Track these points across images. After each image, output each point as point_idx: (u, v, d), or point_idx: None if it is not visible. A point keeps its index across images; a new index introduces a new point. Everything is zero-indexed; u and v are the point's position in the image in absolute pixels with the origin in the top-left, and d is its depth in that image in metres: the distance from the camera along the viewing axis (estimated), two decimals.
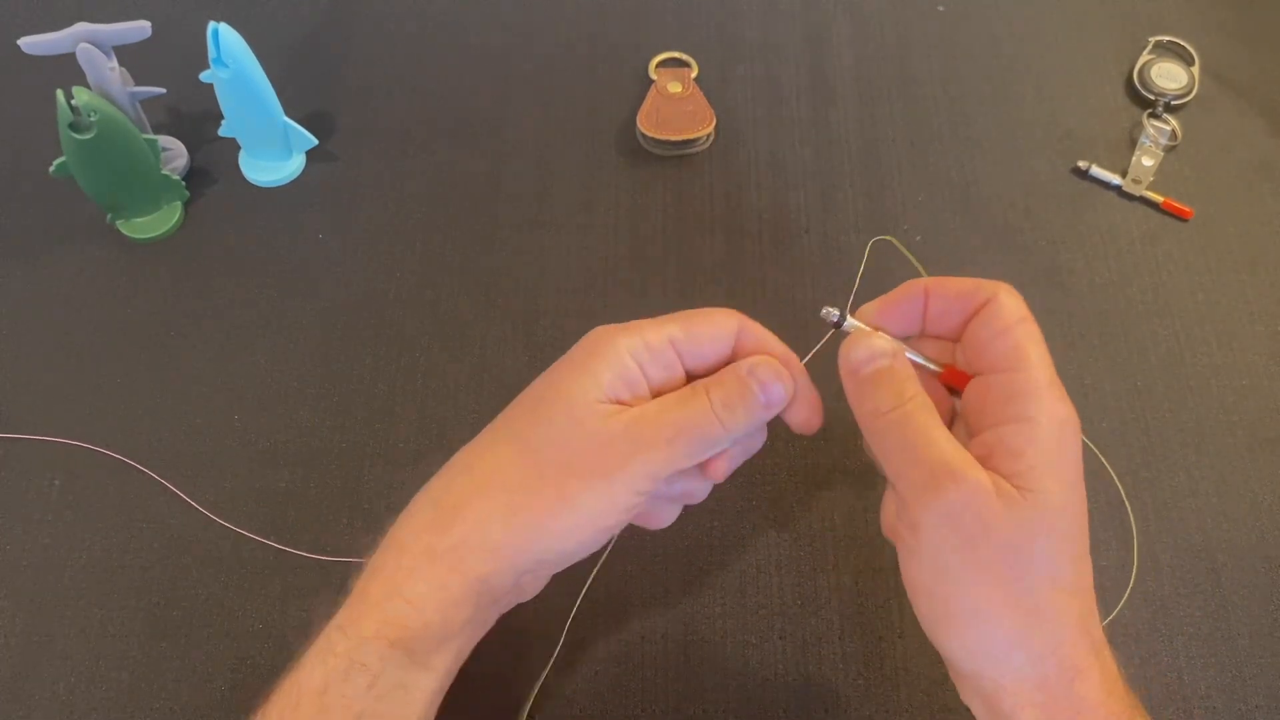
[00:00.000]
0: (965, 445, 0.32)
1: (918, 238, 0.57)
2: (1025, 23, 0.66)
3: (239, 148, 0.59)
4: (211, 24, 0.51)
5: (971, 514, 0.30)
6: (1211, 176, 0.59)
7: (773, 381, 0.34)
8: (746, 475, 0.49)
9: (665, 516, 0.39)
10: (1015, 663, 0.30)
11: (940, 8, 0.67)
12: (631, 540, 0.48)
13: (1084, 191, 0.59)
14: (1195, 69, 0.63)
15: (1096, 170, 0.59)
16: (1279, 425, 0.51)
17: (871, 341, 0.34)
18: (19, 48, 0.52)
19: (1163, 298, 0.55)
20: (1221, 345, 0.53)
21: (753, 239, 0.57)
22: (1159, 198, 0.58)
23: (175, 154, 0.59)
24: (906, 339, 0.36)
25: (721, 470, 0.36)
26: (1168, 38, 0.64)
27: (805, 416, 0.36)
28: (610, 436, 0.33)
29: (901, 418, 0.32)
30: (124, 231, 0.57)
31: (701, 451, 0.34)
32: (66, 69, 0.53)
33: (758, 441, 0.38)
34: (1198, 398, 0.52)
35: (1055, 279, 0.56)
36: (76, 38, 0.52)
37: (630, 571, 0.47)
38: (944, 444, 0.31)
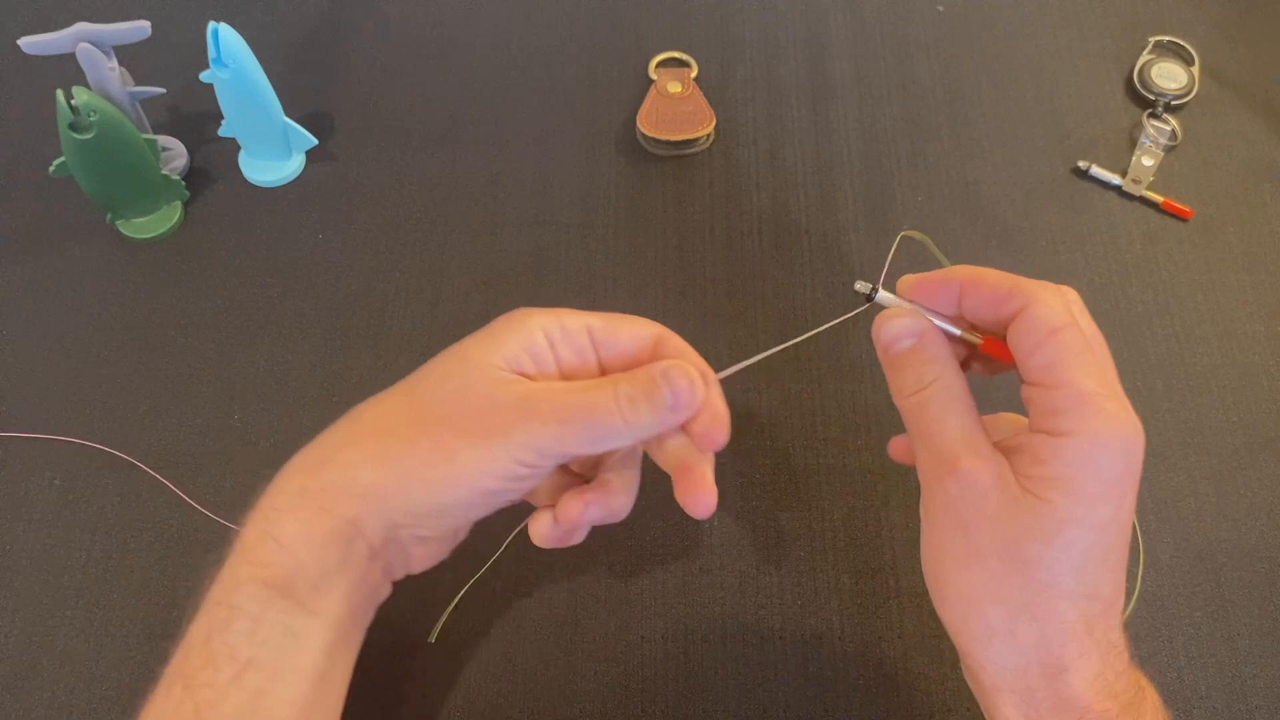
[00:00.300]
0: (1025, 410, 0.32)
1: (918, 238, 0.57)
2: (1025, 23, 0.66)
3: (239, 148, 0.59)
4: (211, 24, 0.51)
5: (967, 505, 0.31)
6: (1211, 176, 0.59)
7: (683, 385, 0.33)
8: (746, 475, 0.49)
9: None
10: (996, 649, 0.31)
11: (940, 8, 0.67)
12: (632, 540, 0.48)
13: (1084, 191, 0.59)
14: (1195, 69, 0.63)
15: (1096, 170, 0.59)
16: (1279, 425, 0.51)
17: (897, 322, 0.34)
18: (19, 48, 0.52)
19: (1162, 298, 0.55)
20: (1221, 345, 0.53)
21: (753, 239, 0.57)
22: (1159, 198, 0.58)
23: (175, 154, 0.59)
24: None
25: (574, 513, 0.36)
26: (1168, 38, 0.64)
27: (706, 428, 0.34)
28: (500, 399, 0.33)
29: (918, 403, 0.33)
30: (124, 231, 0.57)
31: (598, 439, 0.33)
32: (66, 69, 0.53)
33: (622, 505, 0.37)
34: (1198, 398, 0.52)
35: (1055, 279, 0.54)
36: (76, 38, 0.52)
37: (630, 571, 0.47)
38: (953, 432, 0.32)
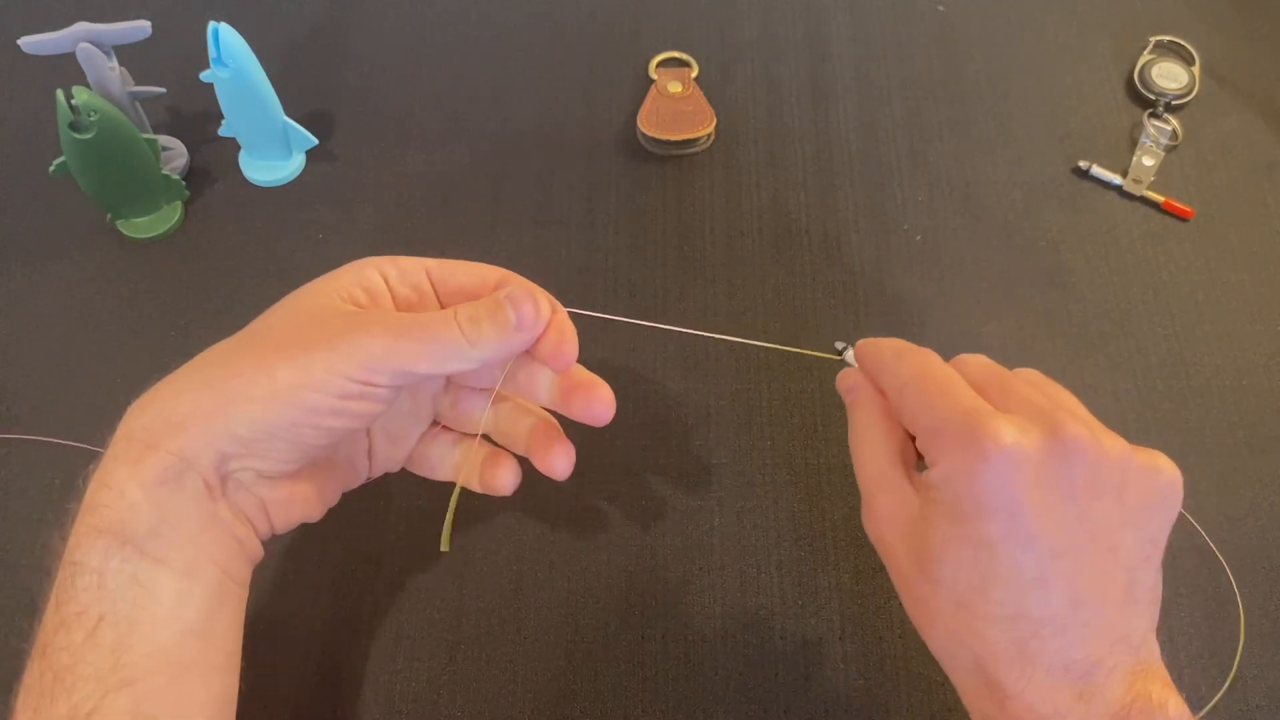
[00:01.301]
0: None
1: (918, 237, 0.57)
2: (1025, 22, 0.66)
3: (239, 147, 0.59)
4: (211, 24, 0.51)
5: (884, 534, 0.34)
6: (1212, 176, 0.59)
7: (527, 305, 0.33)
8: (746, 475, 0.49)
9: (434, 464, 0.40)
10: (951, 671, 0.32)
11: (940, 7, 0.67)
12: (631, 539, 0.48)
13: (1084, 191, 0.59)
14: (1196, 69, 0.63)
15: (1097, 170, 0.59)
16: (1279, 425, 0.51)
17: (840, 382, 0.38)
18: (19, 47, 0.52)
19: (1163, 298, 0.55)
20: (1222, 345, 0.53)
21: (753, 239, 0.57)
22: (1159, 198, 0.58)
23: (175, 153, 0.59)
24: None
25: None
26: (1168, 37, 0.64)
27: (555, 345, 0.34)
28: (325, 318, 0.32)
29: (852, 443, 0.36)
30: (124, 231, 0.57)
31: (437, 358, 0.32)
32: (66, 68, 0.53)
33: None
34: (1198, 398, 0.52)
35: (1055, 279, 0.56)
36: (76, 37, 0.52)
37: (630, 571, 0.47)
38: (872, 467, 0.35)
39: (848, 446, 0.37)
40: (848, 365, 0.39)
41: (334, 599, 0.46)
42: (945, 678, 0.45)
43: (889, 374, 0.35)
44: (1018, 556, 0.30)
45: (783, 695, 0.44)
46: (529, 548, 0.48)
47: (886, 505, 0.34)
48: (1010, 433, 0.30)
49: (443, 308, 0.36)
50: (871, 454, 0.35)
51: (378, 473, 0.40)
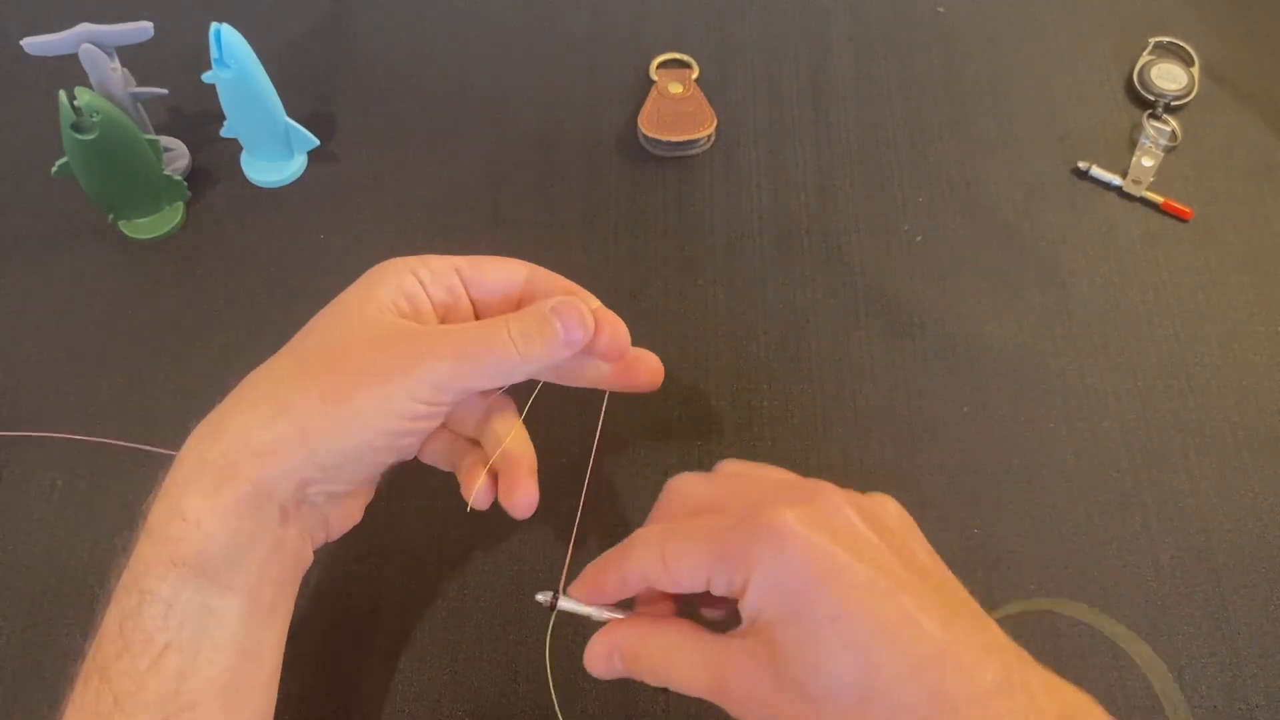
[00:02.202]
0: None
1: (918, 238, 0.57)
2: (1025, 23, 0.66)
3: (240, 148, 0.60)
4: (214, 25, 0.51)
5: (752, 697, 0.30)
6: (1211, 177, 0.59)
7: (573, 319, 0.34)
8: None
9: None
10: None
11: (940, 9, 0.67)
12: None
13: (1084, 192, 0.59)
14: (1195, 70, 0.63)
15: (1096, 171, 0.59)
16: (1279, 425, 0.51)
17: (593, 663, 0.34)
18: (22, 48, 0.52)
19: (1163, 298, 0.55)
20: (1222, 345, 0.54)
21: (753, 239, 0.57)
22: (1159, 198, 0.58)
23: (177, 154, 0.59)
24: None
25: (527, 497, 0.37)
26: (1168, 38, 0.64)
27: (609, 342, 0.36)
28: (391, 340, 0.33)
29: (668, 674, 0.32)
30: (125, 231, 0.57)
31: (494, 374, 0.34)
32: (69, 69, 0.53)
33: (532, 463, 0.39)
34: (1198, 398, 0.52)
35: (1055, 279, 0.56)
36: (79, 38, 0.52)
37: None
38: (698, 668, 0.31)
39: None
40: (566, 609, 0.35)
41: (335, 600, 0.46)
42: None
43: (631, 576, 0.33)
44: (875, 605, 0.28)
45: None
46: (530, 548, 0.48)
47: (740, 674, 0.30)
48: (782, 511, 0.29)
49: (474, 306, 0.37)
50: (692, 664, 0.31)
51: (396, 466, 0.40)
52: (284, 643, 0.35)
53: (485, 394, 0.39)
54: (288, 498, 0.32)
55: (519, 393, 0.39)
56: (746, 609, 0.30)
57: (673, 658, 0.32)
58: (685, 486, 0.35)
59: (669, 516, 0.35)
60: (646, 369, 0.38)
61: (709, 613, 0.36)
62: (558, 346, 0.34)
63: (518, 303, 0.38)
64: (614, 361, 0.37)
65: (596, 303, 0.37)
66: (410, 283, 0.36)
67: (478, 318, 0.38)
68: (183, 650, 0.31)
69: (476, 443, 0.39)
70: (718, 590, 0.31)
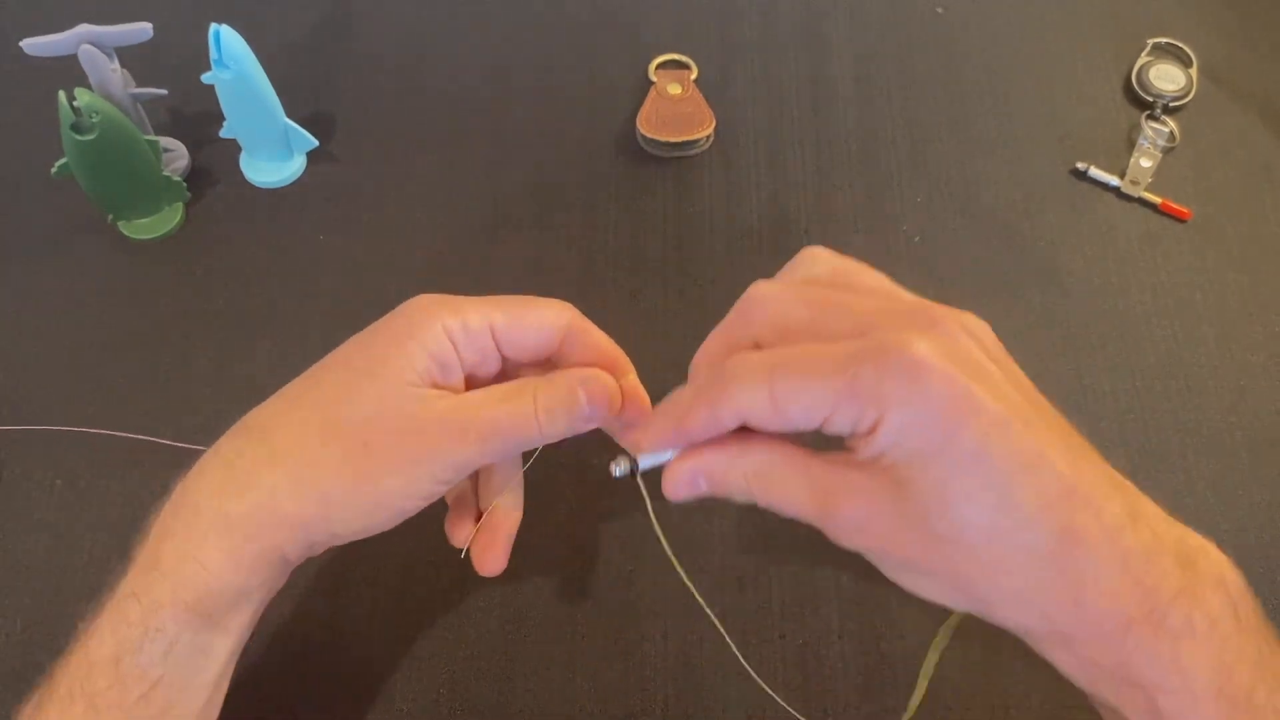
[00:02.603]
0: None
1: (916, 238, 0.57)
2: (1024, 24, 0.66)
3: (240, 149, 0.60)
4: (213, 25, 0.51)
5: (865, 538, 0.29)
6: (1210, 178, 0.59)
7: (600, 398, 0.33)
8: None
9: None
10: (1008, 619, 0.28)
11: (939, 9, 0.67)
12: (631, 539, 0.48)
13: (1083, 193, 0.59)
14: (1193, 71, 0.63)
15: (1095, 171, 0.59)
16: (1277, 426, 0.51)
17: (675, 486, 0.31)
18: (21, 49, 0.52)
19: (1161, 298, 0.55)
20: (1220, 346, 0.54)
21: (753, 239, 0.57)
22: (1157, 199, 0.58)
23: (176, 155, 0.59)
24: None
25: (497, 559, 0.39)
26: (1166, 39, 0.64)
27: (633, 417, 0.35)
28: (422, 423, 0.32)
29: (761, 497, 0.31)
30: (125, 232, 0.57)
31: (514, 450, 0.34)
32: (68, 70, 0.53)
33: (515, 521, 0.40)
34: (1196, 398, 0.52)
35: (1054, 280, 0.56)
36: (78, 39, 0.52)
37: (630, 571, 0.47)
38: (806, 490, 0.30)
39: (849, 447, 0.35)
40: (648, 466, 0.32)
41: (334, 602, 0.46)
42: (945, 677, 0.45)
43: (726, 415, 0.29)
44: (1011, 444, 0.26)
45: (783, 695, 0.44)
46: (529, 548, 0.48)
47: (853, 506, 0.29)
48: (914, 341, 0.27)
49: (505, 367, 0.36)
50: (790, 484, 0.30)
51: None
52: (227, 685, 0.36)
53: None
54: (299, 556, 0.34)
55: None
56: (873, 446, 0.27)
57: (772, 477, 0.30)
58: (776, 305, 0.32)
59: (758, 339, 0.31)
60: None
61: None
62: (579, 423, 0.34)
63: (551, 358, 0.37)
64: (630, 423, 0.36)
65: (633, 374, 0.36)
66: (445, 347, 0.34)
67: (504, 374, 0.36)
68: (173, 686, 0.32)
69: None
70: (834, 429, 0.28)
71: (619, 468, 0.32)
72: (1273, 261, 0.56)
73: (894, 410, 0.26)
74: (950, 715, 0.44)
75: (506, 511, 0.39)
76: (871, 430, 0.27)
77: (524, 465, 0.40)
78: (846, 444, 0.29)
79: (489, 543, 0.38)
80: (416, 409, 0.32)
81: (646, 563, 0.47)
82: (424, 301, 0.35)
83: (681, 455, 0.31)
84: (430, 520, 0.48)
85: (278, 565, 0.33)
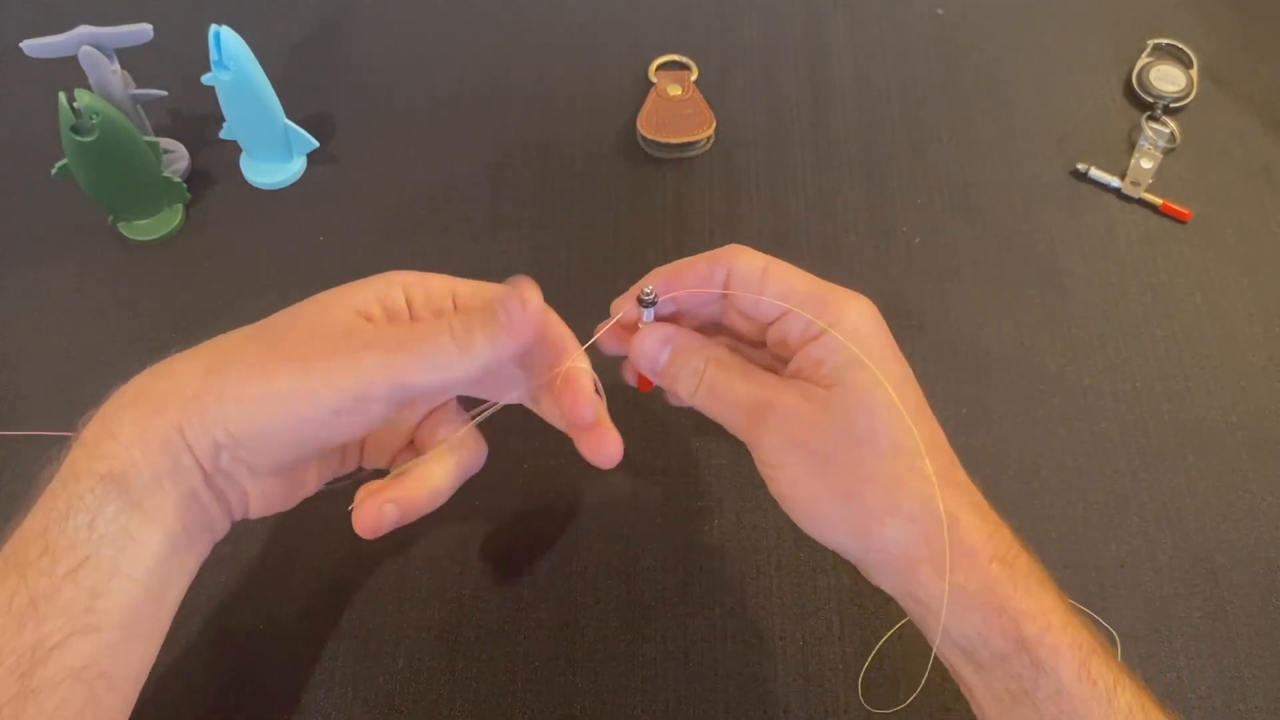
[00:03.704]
0: (780, 370, 0.36)
1: (916, 240, 0.57)
2: (1024, 25, 0.66)
3: (240, 150, 0.60)
4: (213, 27, 0.51)
5: (794, 427, 0.33)
6: (1210, 179, 0.59)
7: (515, 305, 0.33)
8: (746, 475, 0.49)
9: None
10: (892, 528, 0.32)
11: (939, 10, 0.67)
12: (631, 539, 0.48)
13: (1083, 194, 0.59)
14: (1194, 71, 0.63)
15: (1095, 172, 0.59)
16: (1277, 426, 0.51)
17: (646, 343, 0.36)
18: (21, 50, 0.52)
19: (1161, 299, 0.55)
20: (1220, 346, 0.54)
21: (752, 241, 0.57)
22: (1158, 200, 0.58)
23: (176, 156, 0.59)
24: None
25: (369, 518, 0.36)
26: (1166, 40, 0.64)
27: (571, 407, 0.36)
28: (330, 330, 0.33)
29: (707, 390, 0.35)
30: (125, 233, 0.57)
31: (434, 370, 0.32)
32: (69, 71, 0.53)
33: (479, 459, 0.39)
34: (1196, 399, 0.52)
35: (1054, 280, 0.56)
36: (78, 40, 0.53)
37: (630, 571, 0.47)
38: (751, 386, 0.34)
39: (778, 364, 0.37)
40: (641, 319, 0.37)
41: (333, 601, 0.46)
42: (945, 678, 0.45)
43: (720, 271, 0.36)
44: (916, 392, 0.34)
45: (783, 695, 0.44)
46: (529, 548, 0.48)
47: (791, 396, 0.33)
48: (861, 297, 0.35)
49: None
50: (738, 376, 0.35)
51: (370, 464, 0.40)
52: (178, 604, 0.34)
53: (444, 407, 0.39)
54: (204, 455, 0.32)
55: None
56: (817, 351, 0.33)
57: (720, 371, 0.35)
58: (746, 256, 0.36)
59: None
60: (601, 450, 0.36)
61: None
62: (499, 335, 0.33)
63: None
64: (581, 426, 0.36)
65: (586, 362, 0.37)
66: (395, 295, 0.35)
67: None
68: (100, 569, 0.31)
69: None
70: (785, 332, 0.35)
71: (648, 292, 0.36)
72: (1273, 262, 0.56)
73: (849, 319, 0.33)
74: (950, 716, 0.44)
75: (422, 474, 0.37)
76: (814, 337, 0.34)
77: (477, 419, 0.39)
78: (778, 360, 0.36)
79: (380, 495, 0.36)
80: (335, 328, 0.33)
81: (646, 562, 0.47)
82: (396, 270, 0.37)
83: (657, 325, 0.37)
84: (429, 521, 0.48)
85: (183, 457, 0.32)
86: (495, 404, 0.39)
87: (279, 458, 0.34)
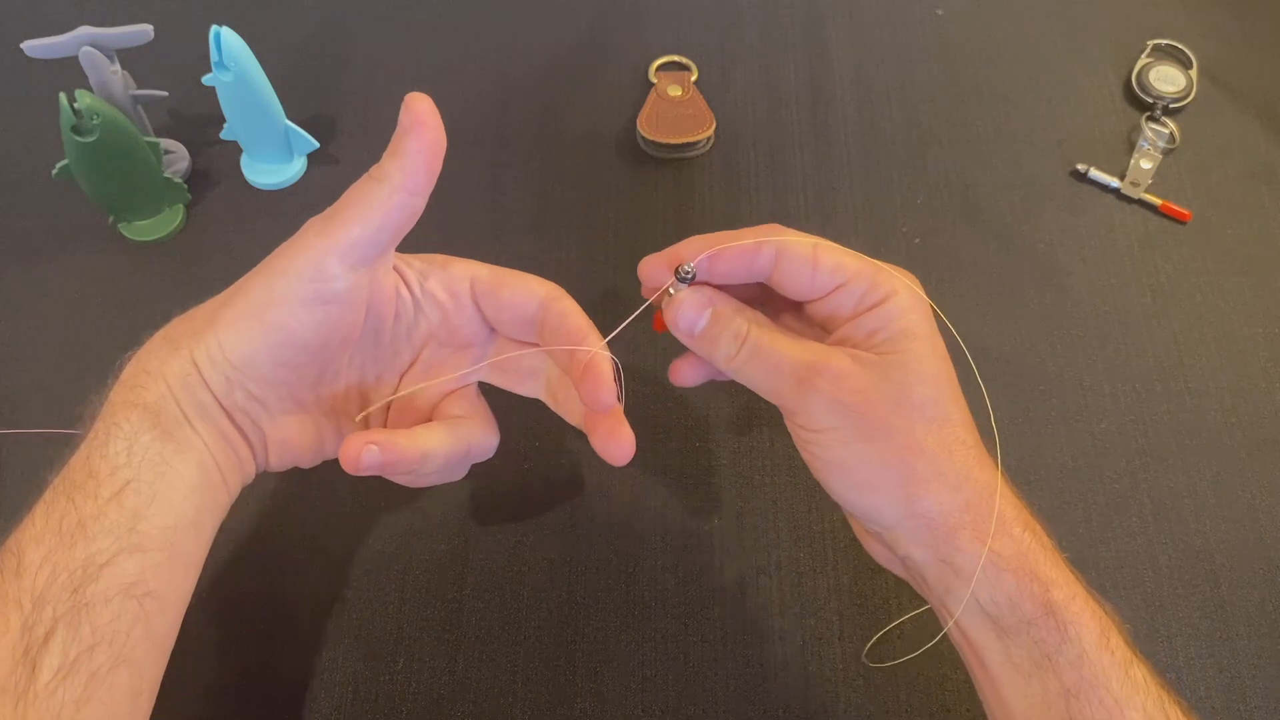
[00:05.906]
0: (822, 339, 0.36)
1: (916, 240, 0.57)
2: (1024, 26, 0.66)
3: (240, 150, 0.60)
4: (214, 27, 0.51)
5: (844, 391, 0.33)
6: (1209, 179, 0.60)
7: (408, 108, 0.35)
8: (745, 475, 0.49)
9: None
10: (935, 494, 0.33)
11: (939, 11, 0.67)
12: (631, 539, 0.48)
13: (1082, 194, 0.59)
14: (1193, 72, 0.63)
15: (1095, 173, 0.59)
16: (1277, 427, 0.51)
17: (684, 308, 0.36)
18: (22, 51, 0.52)
19: (1161, 300, 0.55)
20: (1219, 347, 0.54)
21: None
22: (1157, 200, 0.58)
23: (177, 157, 0.59)
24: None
25: (351, 452, 0.35)
26: (1166, 41, 0.64)
27: (591, 389, 0.35)
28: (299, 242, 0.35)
29: (750, 353, 0.35)
30: (126, 234, 0.57)
31: (364, 211, 0.34)
32: (69, 72, 0.53)
33: (486, 441, 0.39)
34: (1196, 399, 0.52)
35: (1054, 281, 0.56)
36: (79, 41, 0.53)
37: (630, 572, 0.47)
38: (797, 349, 0.34)
39: (825, 334, 0.36)
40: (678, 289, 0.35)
41: (333, 600, 0.46)
42: (945, 678, 0.45)
43: (766, 255, 0.35)
44: (948, 370, 0.35)
45: (783, 695, 0.44)
46: (529, 548, 0.48)
47: (843, 360, 0.33)
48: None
49: (489, 323, 0.39)
50: (782, 338, 0.35)
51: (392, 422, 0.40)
52: (208, 545, 0.35)
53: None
54: (220, 392, 0.34)
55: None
56: (874, 320, 0.34)
57: (765, 334, 0.35)
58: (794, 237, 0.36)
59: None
60: (614, 442, 0.36)
61: None
62: (404, 149, 0.35)
63: (536, 326, 0.38)
64: (598, 409, 0.36)
65: (602, 343, 0.36)
66: (411, 267, 0.38)
67: (490, 341, 0.40)
68: (140, 492, 0.32)
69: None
70: (836, 306, 0.35)
71: (686, 269, 0.35)
72: (1273, 262, 0.56)
73: (900, 295, 0.34)
74: (950, 716, 0.44)
75: (416, 433, 0.37)
76: (872, 306, 0.34)
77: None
78: (818, 330, 0.36)
79: (368, 435, 0.35)
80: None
81: (646, 563, 0.47)
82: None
83: (696, 289, 0.36)
84: (428, 524, 0.48)
85: (201, 393, 0.34)
86: (483, 364, 0.40)
87: (278, 377, 0.35)
